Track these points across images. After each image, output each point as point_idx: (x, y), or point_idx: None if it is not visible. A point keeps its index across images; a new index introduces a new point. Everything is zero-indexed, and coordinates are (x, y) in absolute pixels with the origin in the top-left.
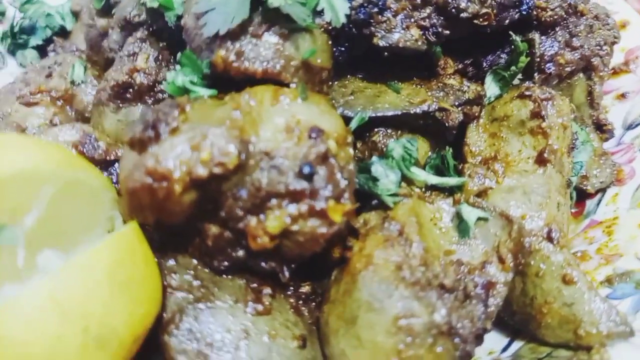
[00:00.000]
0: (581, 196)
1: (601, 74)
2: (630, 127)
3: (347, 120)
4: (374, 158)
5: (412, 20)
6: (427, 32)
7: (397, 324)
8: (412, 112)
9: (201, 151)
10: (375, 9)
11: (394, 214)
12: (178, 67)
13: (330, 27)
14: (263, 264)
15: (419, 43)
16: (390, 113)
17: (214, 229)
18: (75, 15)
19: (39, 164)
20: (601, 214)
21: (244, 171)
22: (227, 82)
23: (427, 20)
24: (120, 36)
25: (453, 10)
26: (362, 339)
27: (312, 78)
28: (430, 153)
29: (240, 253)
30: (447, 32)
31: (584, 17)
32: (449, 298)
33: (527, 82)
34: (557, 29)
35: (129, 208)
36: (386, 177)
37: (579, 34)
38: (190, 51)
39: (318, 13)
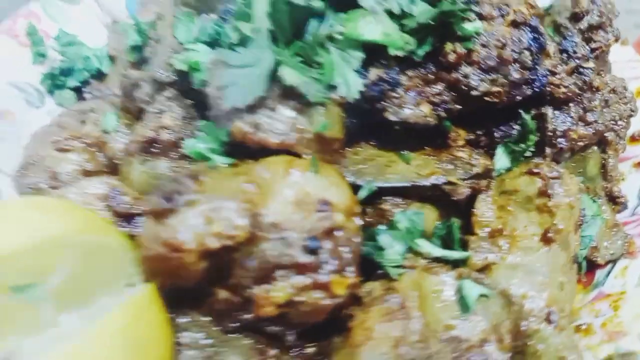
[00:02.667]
0: (591, 266)
1: (616, 146)
2: None
3: (356, 188)
4: (381, 227)
5: (423, 96)
6: (437, 107)
7: None
8: (420, 184)
9: (213, 224)
10: (388, 86)
11: (397, 286)
12: (199, 133)
13: (343, 101)
14: (269, 327)
15: (429, 119)
16: (398, 184)
17: (223, 294)
18: (112, 59)
19: (65, 229)
20: (609, 286)
21: (254, 242)
22: (244, 149)
23: (437, 96)
24: (151, 89)
25: (464, 87)
26: None
27: (325, 148)
28: (438, 222)
29: (248, 316)
30: (459, 106)
31: (600, 92)
32: None
33: (537, 158)
34: (571, 104)
35: (147, 272)
36: (392, 248)
37: (594, 109)
38: (211, 121)
39: (332, 87)
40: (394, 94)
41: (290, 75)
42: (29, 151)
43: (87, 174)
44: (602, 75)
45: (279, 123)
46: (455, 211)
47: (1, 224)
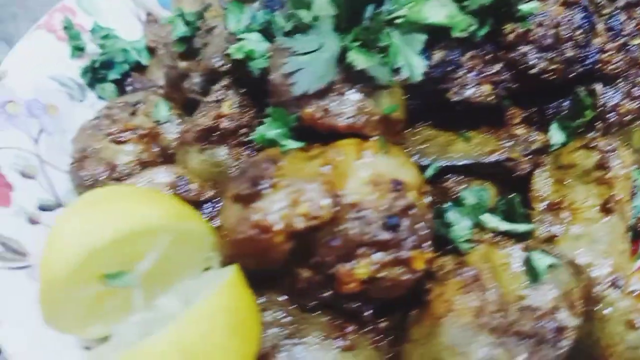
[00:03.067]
0: (636, 235)
1: None
2: None
3: (420, 168)
4: (448, 205)
5: (484, 76)
6: (497, 87)
7: None
8: (483, 161)
9: (299, 205)
10: (451, 67)
11: (469, 259)
12: (268, 119)
13: (406, 83)
14: (348, 304)
15: (490, 98)
16: (463, 162)
17: (305, 274)
18: (151, 51)
19: (158, 216)
20: None
21: (336, 222)
22: (312, 133)
23: (497, 76)
24: (201, 79)
25: (522, 66)
26: None
27: (390, 130)
28: (497, 198)
29: (328, 294)
30: (516, 85)
31: None
32: (527, 344)
33: (592, 133)
34: (619, 80)
35: (233, 255)
36: (459, 224)
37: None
38: (279, 106)
39: (395, 70)
40: (456, 75)
41: (360, 60)
42: (80, 144)
43: (144, 164)
44: None
45: (347, 107)
46: (511, 187)
47: (96, 214)
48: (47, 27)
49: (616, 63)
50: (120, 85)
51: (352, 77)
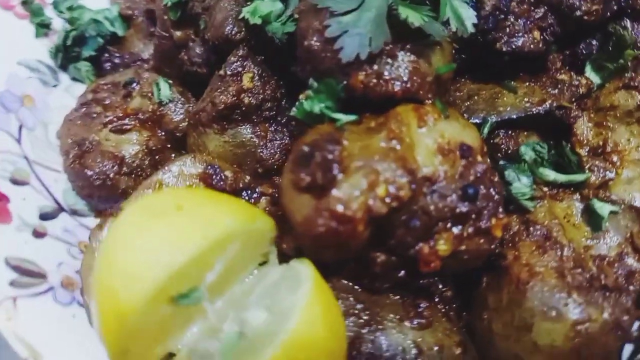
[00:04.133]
0: None
1: None
2: None
3: None
4: (505, 162)
5: (532, 21)
6: (545, 32)
7: (575, 329)
8: (535, 113)
9: (378, 188)
10: (502, 16)
11: (535, 217)
12: (309, 92)
13: (455, 37)
14: (422, 281)
15: (540, 45)
16: (514, 116)
17: (382, 257)
18: (126, 19)
19: (233, 223)
20: None
21: (414, 200)
22: (359, 103)
23: (542, 20)
24: (202, 50)
25: (566, 9)
26: (539, 344)
27: (440, 90)
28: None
29: (402, 274)
30: (559, 29)
31: None
32: (611, 296)
33: (627, 73)
34: None
35: (310, 249)
36: (519, 181)
37: None
38: (319, 75)
39: (444, 23)
40: (506, 24)
41: (414, 16)
42: (72, 138)
43: (152, 152)
44: None
45: (400, 69)
46: (551, 137)
47: (167, 228)
48: (2, 4)
49: None
50: (97, 63)
51: (400, 35)
